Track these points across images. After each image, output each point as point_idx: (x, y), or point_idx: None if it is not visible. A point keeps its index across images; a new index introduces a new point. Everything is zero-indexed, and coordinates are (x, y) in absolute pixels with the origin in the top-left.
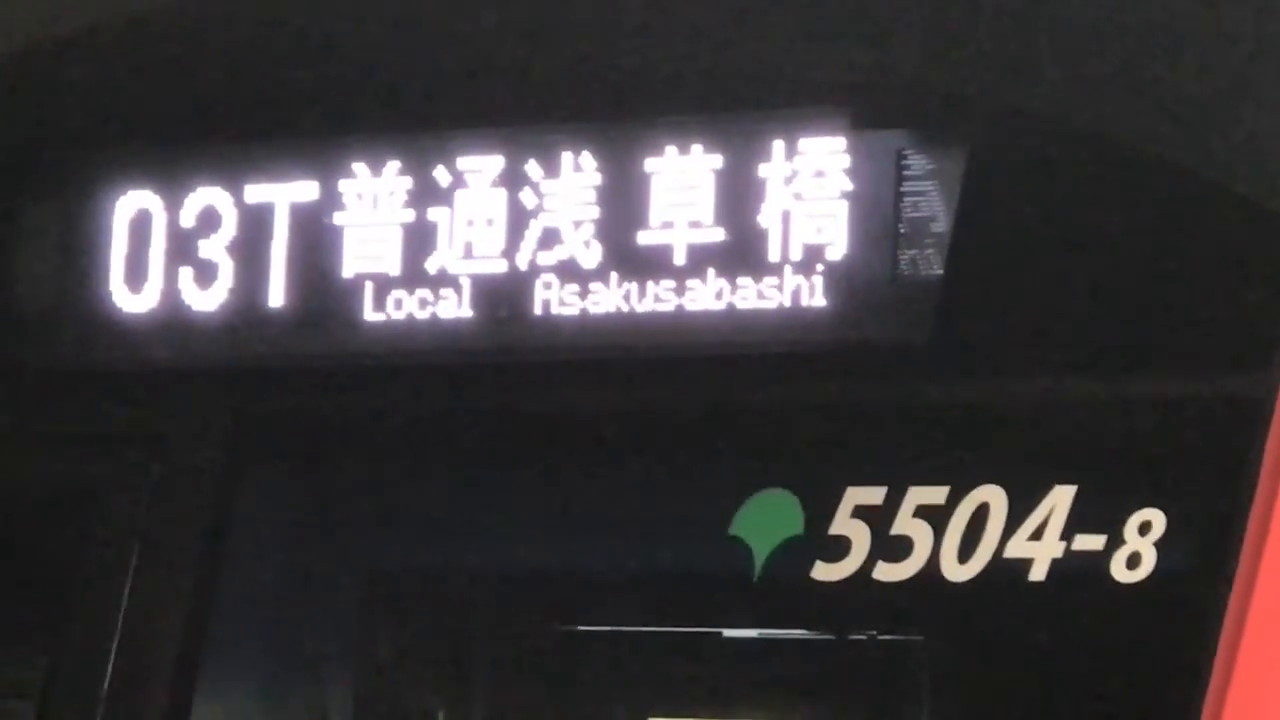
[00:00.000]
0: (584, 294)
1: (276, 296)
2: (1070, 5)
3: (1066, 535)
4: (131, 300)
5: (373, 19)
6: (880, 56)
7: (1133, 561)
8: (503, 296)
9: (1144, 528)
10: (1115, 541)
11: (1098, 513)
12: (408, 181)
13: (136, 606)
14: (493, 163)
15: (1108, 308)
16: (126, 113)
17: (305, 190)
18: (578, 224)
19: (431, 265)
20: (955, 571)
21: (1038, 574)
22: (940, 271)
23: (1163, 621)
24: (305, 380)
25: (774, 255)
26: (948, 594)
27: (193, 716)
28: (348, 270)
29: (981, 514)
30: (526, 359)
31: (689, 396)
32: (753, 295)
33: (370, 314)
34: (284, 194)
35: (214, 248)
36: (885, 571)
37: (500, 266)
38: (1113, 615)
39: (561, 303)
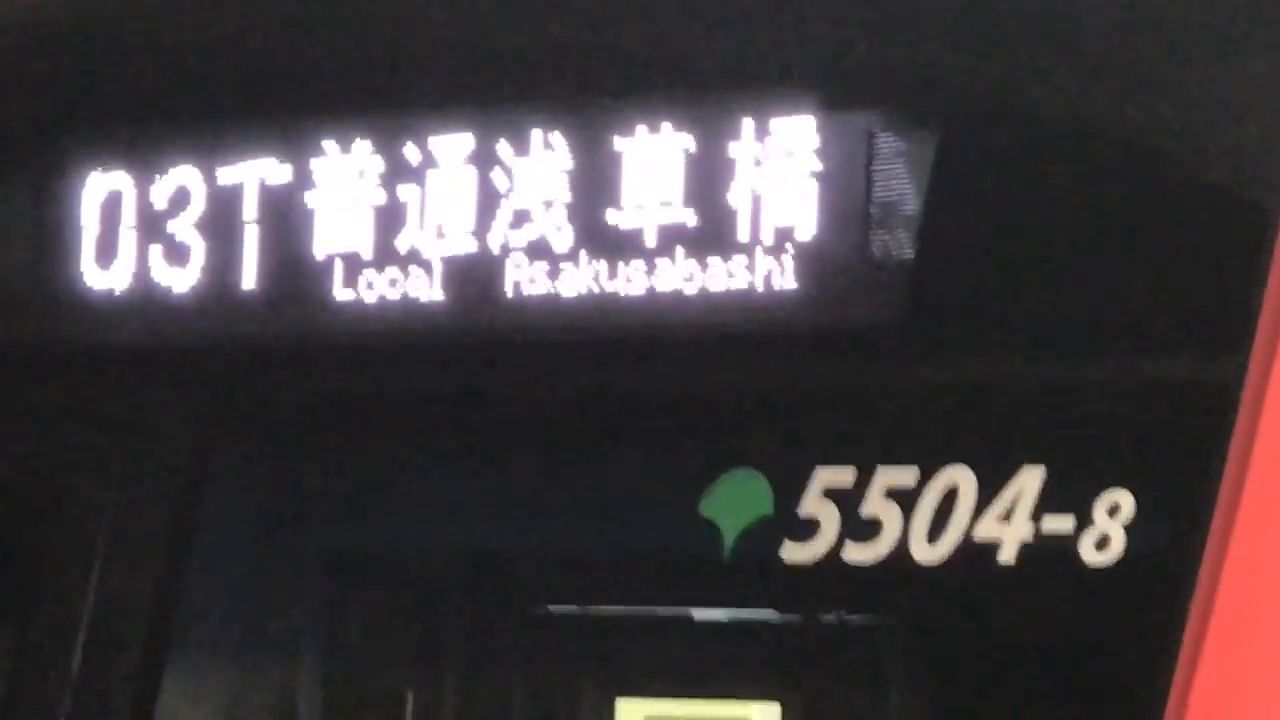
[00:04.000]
0: (554, 274)
1: (248, 277)
2: None
3: (1035, 516)
4: (102, 279)
5: None
6: (852, 36)
7: (1102, 543)
8: (473, 277)
9: (1113, 509)
10: (1084, 523)
11: (1067, 494)
12: (379, 161)
13: (105, 585)
14: (463, 142)
15: (1078, 289)
16: (97, 92)
17: (276, 170)
18: (548, 204)
19: (402, 245)
20: (924, 553)
21: (1007, 555)
22: (911, 253)
23: (1132, 603)
24: (276, 360)
25: (744, 236)
26: (917, 576)
27: (162, 696)
28: (319, 250)
29: (951, 495)
30: (496, 339)
31: (659, 377)
32: (723, 276)
33: (341, 293)
34: (255, 173)
35: (185, 227)
36: (854, 553)
37: (471, 246)
38: (1082, 597)
39: (531, 282)
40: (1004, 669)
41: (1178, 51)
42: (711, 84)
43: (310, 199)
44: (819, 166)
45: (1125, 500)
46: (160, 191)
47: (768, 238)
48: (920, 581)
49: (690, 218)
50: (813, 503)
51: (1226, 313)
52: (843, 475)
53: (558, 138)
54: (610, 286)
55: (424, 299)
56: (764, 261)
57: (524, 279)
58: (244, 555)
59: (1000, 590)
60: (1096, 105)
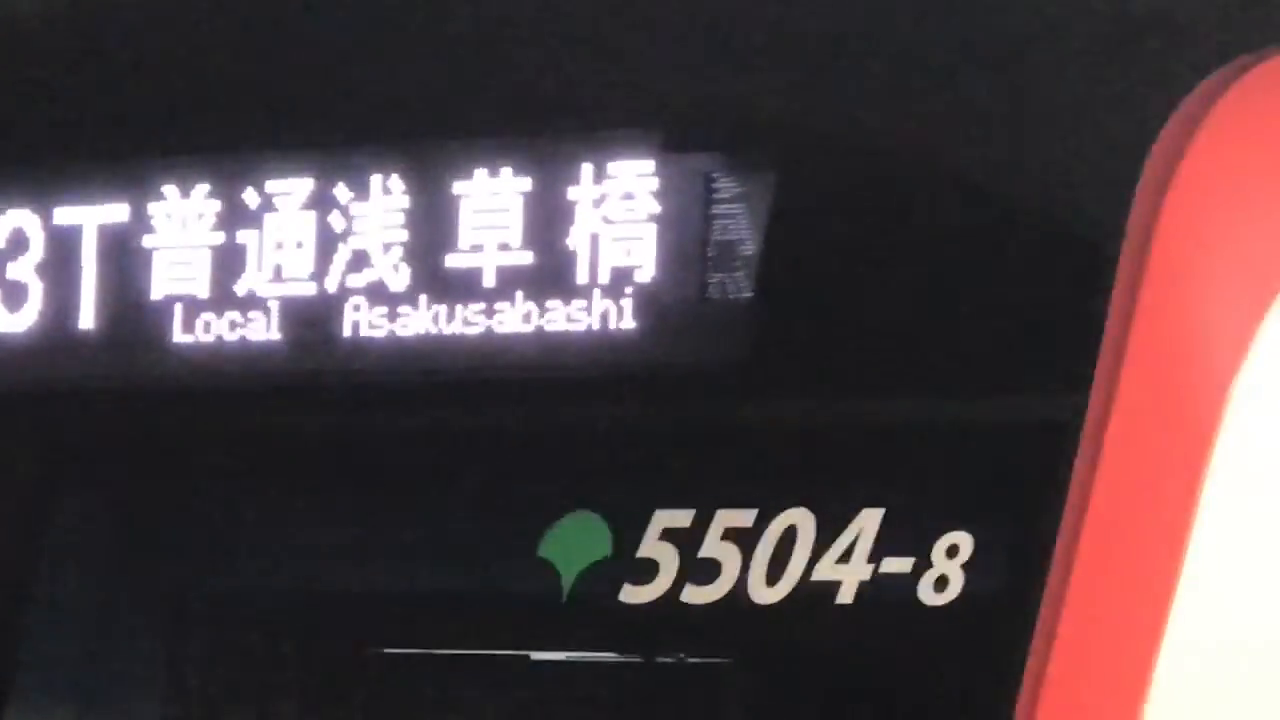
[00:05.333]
0: (393, 316)
1: (86, 319)
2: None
3: (874, 558)
4: None
5: (181, 41)
6: (689, 80)
7: (940, 584)
8: (312, 319)
9: (951, 550)
10: (923, 564)
11: (906, 536)
12: (216, 204)
13: None
14: (302, 185)
15: (917, 330)
16: None
17: (114, 212)
18: (387, 246)
19: (240, 287)
20: (763, 594)
21: (845, 596)
22: (749, 294)
23: (970, 644)
24: (114, 403)
25: (582, 278)
26: (756, 617)
27: None
28: (157, 292)
29: (790, 537)
30: (335, 381)
31: (498, 418)
32: (561, 318)
33: (179, 336)
34: (93, 216)
35: (23, 269)
36: (693, 594)
37: (309, 289)
38: (920, 638)
39: (370, 325)
40: (844, 709)
41: (1014, 87)
42: (550, 127)
43: (149, 241)
44: (657, 209)
45: (964, 541)
46: None
47: (606, 280)
48: (759, 623)
49: (529, 260)
50: (652, 545)
51: (1065, 354)
52: (681, 518)
53: (396, 181)
54: (449, 329)
55: (262, 341)
56: (602, 304)
57: (363, 321)
58: (86, 599)
59: (839, 631)
60: (934, 144)
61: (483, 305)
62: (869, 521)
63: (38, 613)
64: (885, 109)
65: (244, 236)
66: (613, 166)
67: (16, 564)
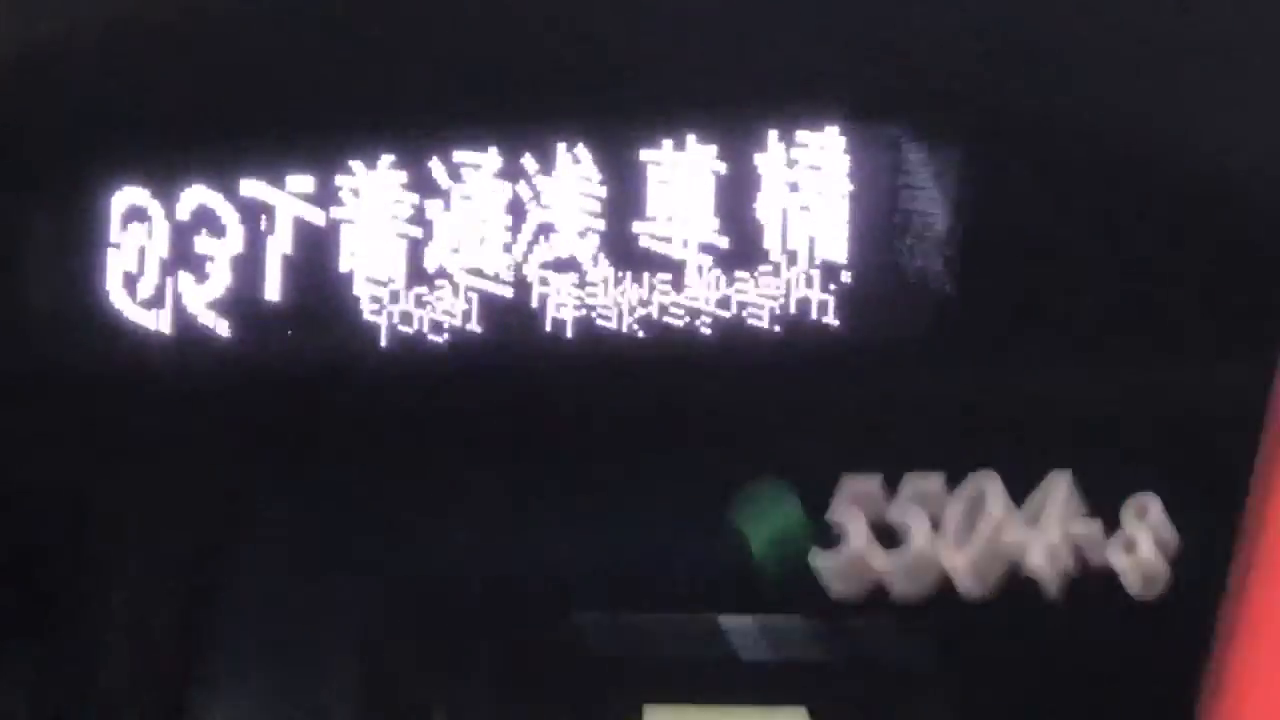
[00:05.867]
0: (582, 286)
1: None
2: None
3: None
4: (128, 300)
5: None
6: (881, 53)
7: (1130, 547)
8: (501, 294)
9: (1141, 512)
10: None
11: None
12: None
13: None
14: (491, 159)
15: (1102, 298)
16: None
17: (302, 185)
18: (581, 230)
19: (430, 263)
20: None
21: (1035, 561)
22: (939, 265)
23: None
24: (304, 382)
25: (773, 250)
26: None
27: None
28: (345, 267)
29: (979, 500)
30: (527, 356)
31: (689, 392)
32: (751, 290)
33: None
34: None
35: (213, 246)
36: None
37: (499, 263)
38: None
39: (560, 300)
40: (1030, 669)
41: (1191, 71)
42: (741, 101)
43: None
44: (848, 181)
45: (1153, 504)
46: None
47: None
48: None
49: (719, 231)
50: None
51: (1254, 326)
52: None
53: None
54: (640, 301)
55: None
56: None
57: (552, 295)
58: (282, 579)
59: (1026, 597)
60: (1113, 123)
61: (670, 277)
62: (1057, 483)
63: (236, 598)
64: (1072, 83)
65: (432, 210)
66: (801, 135)
67: (208, 540)
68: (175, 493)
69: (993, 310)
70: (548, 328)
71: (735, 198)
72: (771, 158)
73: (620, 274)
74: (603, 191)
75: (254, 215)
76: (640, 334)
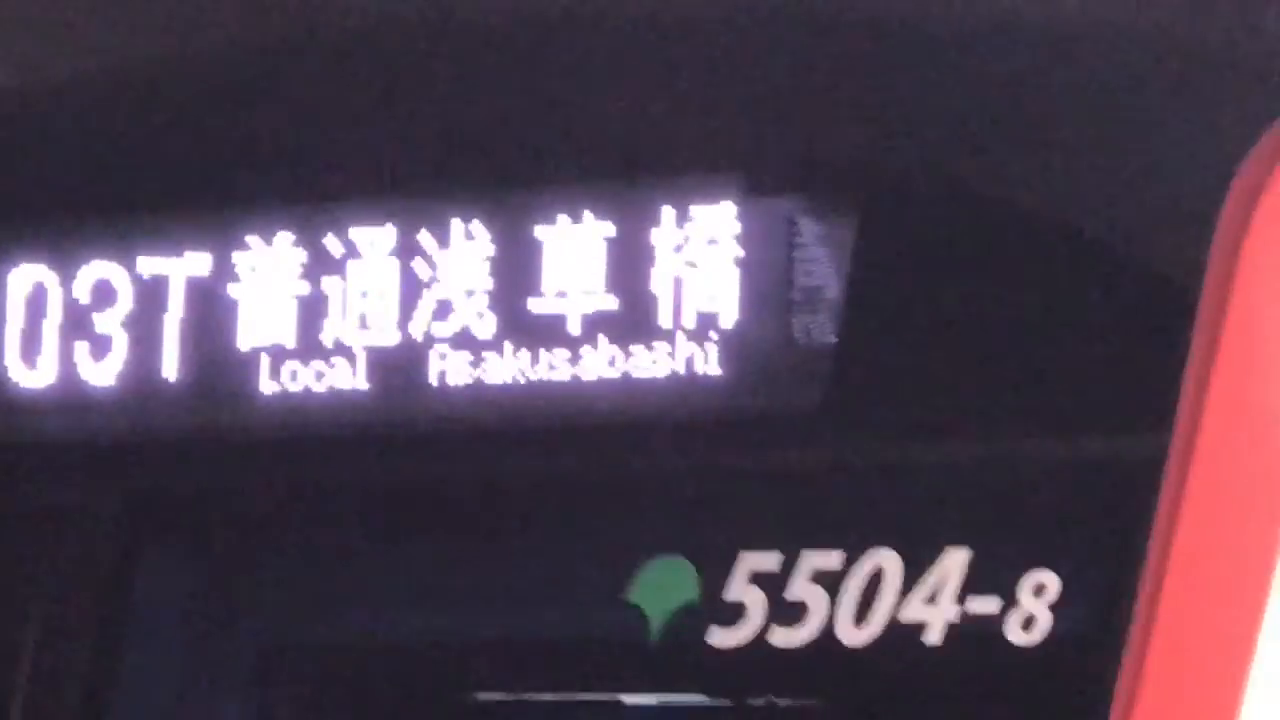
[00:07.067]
0: (477, 363)
1: (170, 370)
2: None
3: (961, 598)
4: (27, 375)
5: (260, 93)
6: (770, 124)
7: (1028, 624)
8: (397, 368)
9: (1038, 590)
10: (1009, 604)
11: (992, 575)
12: (301, 254)
13: (34, 685)
14: (387, 234)
15: (999, 370)
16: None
17: (199, 263)
18: (470, 293)
19: (326, 336)
20: (851, 636)
21: (933, 638)
22: (833, 337)
23: (1058, 684)
24: (200, 455)
25: (666, 322)
26: (844, 658)
27: None
28: (243, 343)
29: (876, 578)
30: (421, 430)
31: (584, 465)
32: (646, 363)
33: (266, 386)
34: (177, 267)
35: (109, 322)
36: (782, 637)
37: (394, 338)
38: (1008, 678)
39: (455, 373)
40: None
41: (1094, 127)
42: (639, 173)
43: (234, 291)
44: (740, 253)
45: (1050, 580)
46: (83, 286)
47: (690, 324)
48: (847, 665)
49: (613, 305)
50: (739, 588)
51: (1147, 391)
52: (768, 560)
53: (478, 227)
54: (534, 375)
55: (349, 390)
56: (686, 348)
57: (448, 369)
58: (172, 652)
59: (926, 672)
60: (1014, 185)
61: (567, 351)
62: (955, 561)
63: (125, 668)
64: (966, 151)
65: (329, 285)
66: (695, 210)
67: (103, 619)
68: (73, 569)
69: (888, 381)
70: (443, 400)
71: (629, 270)
72: (665, 231)
73: (517, 348)
74: (497, 265)
75: (151, 289)
76: (536, 406)
